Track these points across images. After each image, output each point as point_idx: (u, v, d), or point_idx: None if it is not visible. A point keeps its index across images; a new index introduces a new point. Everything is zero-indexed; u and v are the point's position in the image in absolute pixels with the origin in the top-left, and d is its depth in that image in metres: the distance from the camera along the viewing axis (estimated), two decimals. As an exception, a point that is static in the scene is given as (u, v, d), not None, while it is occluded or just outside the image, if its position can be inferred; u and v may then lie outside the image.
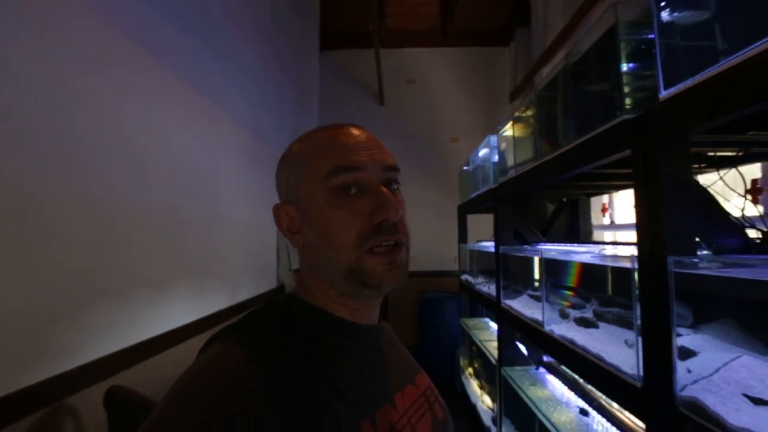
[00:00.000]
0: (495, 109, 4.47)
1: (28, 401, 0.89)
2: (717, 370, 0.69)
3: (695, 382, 0.71)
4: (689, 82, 0.69)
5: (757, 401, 0.62)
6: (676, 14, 0.75)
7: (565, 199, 1.98)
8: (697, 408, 0.67)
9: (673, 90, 0.73)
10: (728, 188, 0.95)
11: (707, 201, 0.83)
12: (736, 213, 0.90)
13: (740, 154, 0.86)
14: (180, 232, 1.66)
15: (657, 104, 0.77)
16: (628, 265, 0.87)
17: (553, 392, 1.61)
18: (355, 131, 0.51)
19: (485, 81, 4.54)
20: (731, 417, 0.61)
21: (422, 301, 3.80)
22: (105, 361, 1.12)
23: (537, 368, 1.87)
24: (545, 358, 1.94)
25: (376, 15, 3.35)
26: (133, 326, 1.28)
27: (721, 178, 0.92)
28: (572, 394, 1.55)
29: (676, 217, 0.76)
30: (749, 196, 0.97)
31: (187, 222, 1.73)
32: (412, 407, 0.51)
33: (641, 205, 0.82)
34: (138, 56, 1.40)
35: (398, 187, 0.52)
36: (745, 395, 0.64)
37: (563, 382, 1.67)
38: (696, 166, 0.98)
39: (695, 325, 0.80)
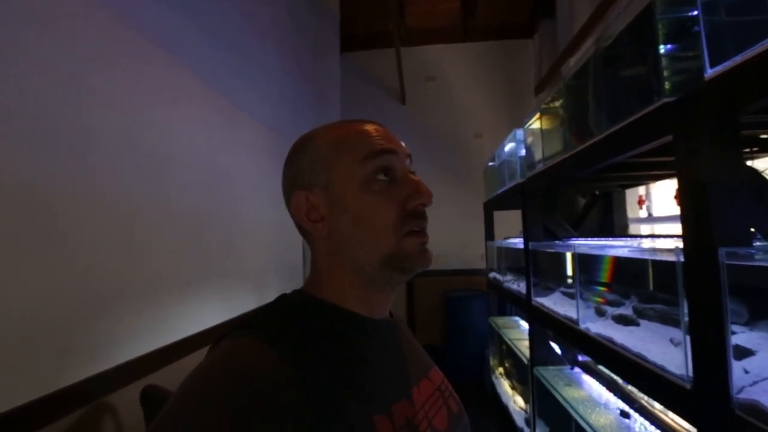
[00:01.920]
0: (519, 103, 4.36)
1: (67, 400, 0.93)
2: (773, 368, 0.63)
3: (755, 383, 0.65)
4: (738, 59, 0.64)
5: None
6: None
7: (597, 192, 1.90)
8: (758, 411, 0.62)
9: (719, 68, 0.68)
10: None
11: (762, 187, 0.77)
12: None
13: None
14: (204, 232, 1.69)
15: (702, 84, 0.72)
16: (672, 258, 0.82)
17: (590, 393, 1.54)
18: (376, 123, 0.54)
19: (508, 75, 4.44)
20: (800, 422, 0.56)
21: (449, 300, 3.75)
22: (139, 362, 1.15)
23: (572, 368, 1.80)
24: (580, 358, 1.86)
25: (396, 15, 3.33)
26: (164, 327, 1.32)
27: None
28: (611, 395, 1.48)
29: (727, 206, 0.70)
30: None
31: (211, 222, 1.76)
32: (428, 402, 0.51)
33: (686, 195, 0.77)
34: (159, 58, 1.44)
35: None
36: (814, 398, 0.58)
37: (601, 383, 1.60)
38: (747, 150, 0.91)
39: (751, 322, 0.75)
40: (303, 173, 0.51)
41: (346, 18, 4.07)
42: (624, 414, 1.31)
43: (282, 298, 0.51)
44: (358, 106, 4.49)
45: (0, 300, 0.81)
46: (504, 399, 2.54)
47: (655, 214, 2.00)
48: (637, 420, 1.27)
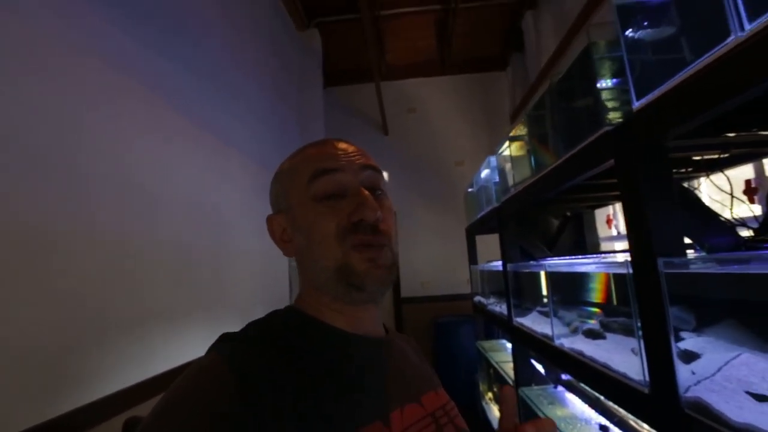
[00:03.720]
0: (497, 130, 4.55)
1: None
2: (719, 370, 0.69)
3: (698, 383, 0.71)
4: (656, 93, 0.74)
5: (760, 398, 0.62)
6: (639, 32, 0.81)
7: (569, 213, 1.99)
8: (701, 408, 0.67)
9: (644, 100, 0.78)
10: (724, 189, 0.97)
11: (694, 203, 0.85)
12: (743, 213, 0.92)
13: (722, 156, 0.89)
14: (191, 265, 1.72)
15: (632, 114, 0.82)
16: (623, 271, 0.89)
17: (573, 410, 1.57)
18: (338, 142, 0.55)
19: (485, 105, 4.66)
20: (734, 414, 0.62)
21: (437, 326, 3.76)
22: (123, 394, 1.16)
23: (555, 387, 1.83)
24: (564, 377, 1.89)
25: (375, 53, 3.52)
26: (153, 357, 1.33)
27: (709, 178, 0.95)
28: (593, 411, 1.51)
29: (662, 220, 0.78)
30: (745, 196, 0.98)
31: (198, 256, 1.79)
32: (413, 427, 0.47)
33: (628, 212, 0.85)
34: (150, 101, 1.52)
35: (382, 193, 0.54)
36: (747, 392, 0.64)
37: (583, 400, 1.63)
38: (684, 170, 1.01)
39: (698, 328, 0.81)
40: (273, 202, 0.56)
41: (329, 54, 4.27)
42: (603, 428, 1.34)
43: (271, 313, 0.52)
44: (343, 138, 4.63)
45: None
46: (495, 425, 2.52)
47: (623, 231, 2.10)
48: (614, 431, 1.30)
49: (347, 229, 0.48)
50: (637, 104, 0.80)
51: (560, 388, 1.81)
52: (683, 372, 0.74)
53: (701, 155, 0.99)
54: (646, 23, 0.80)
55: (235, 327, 0.48)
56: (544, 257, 1.94)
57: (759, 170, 1.25)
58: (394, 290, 4.44)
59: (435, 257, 4.40)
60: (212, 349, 0.45)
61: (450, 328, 3.66)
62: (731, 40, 0.58)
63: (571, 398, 1.70)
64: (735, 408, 0.62)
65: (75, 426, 0.98)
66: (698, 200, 0.87)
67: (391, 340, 0.55)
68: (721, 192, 0.95)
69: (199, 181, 1.87)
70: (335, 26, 4.01)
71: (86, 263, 1.13)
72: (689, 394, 0.71)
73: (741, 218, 0.86)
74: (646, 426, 1.22)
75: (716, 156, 0.89)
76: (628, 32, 0.82)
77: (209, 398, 0.38)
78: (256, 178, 2.60)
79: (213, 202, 1.99)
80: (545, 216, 2.10)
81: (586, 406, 1.58)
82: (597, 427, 1.36)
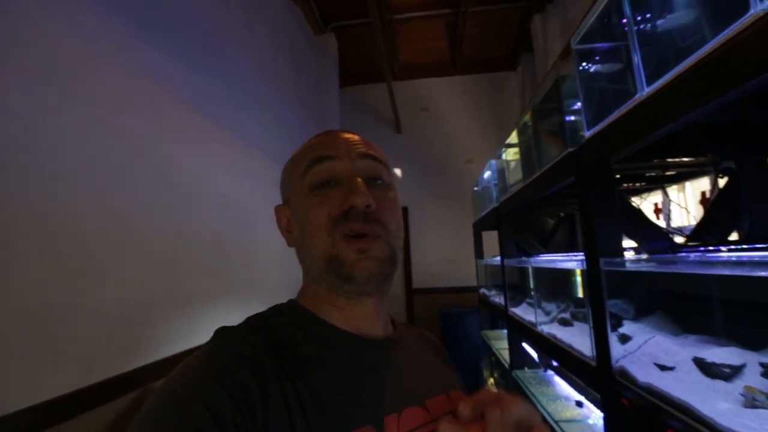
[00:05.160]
0: (507, 129, 4.68)
1: (128, 383, 1.21)
2: (638, 348, 0.89)
3: (624, 356, 0.91)
4: (599, 127, 0.93)
5: (662, 367, 0.81)
6: (591, 78, 0.99)
7: (562, 214, 2.16)
8: (623, 374, 0.88)
9: (591, 131, 0.97)
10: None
11: (636, 214, 1.04)
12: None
13: (662, 174, 1.07)
14: (223, 254, 1.99)
15: (584, 141, 1.00)
16: (579, 267, 1.08)
17: (557, 390, 1.77)
18: (343, 132, 0.54)
19: (495, 104, 4.79)
20: (641, 377, 0.81)
21: (444, 316, 3.97)
22: (173, 359, 1.43)
23: (545, 371, 2.03)
24: (555, 363, 2.09)
25: (387, 55, 3.70)
26: (195, 330, 1.60)
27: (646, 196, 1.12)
28: (572, 390, 1.71)
29: (605, 227, 0.97)
30: (692, 208, 1.15)
31: (229, 245, 2.05)
32: None
33: (582, 219, 1.04)
34: (188, 112, 1.77)
35: (383, 183, 0.51)
36: (655, 363, 0.83)
37: (567, 382, 1.83)
38: (639, 184, 1.19)
39: (636, 317, 1.00)
40: (281, 190, 0.57)
41: (345, 56, 4.46)
42: (578, 403, 1.54)
43: (273, 308, 0.52)
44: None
45: (81, 304, 1.10)
46: (495, 406, 2.73)
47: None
48: (588, 407, 1.50)
49: (338, 218, 0.46)
50: (588, 133, 0.99)
51: (549, 372, 2.01)
52: (617, 349, 0.93)
53: (657, 172, 1.17)
54: (597, 69, 0.99)
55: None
56: (538, 254, 2.12)
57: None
58: (406, 281, 4.67)
59: (444, 251, 4.60)
60: (214, 339, 0.45)
61: (456, 318, 3.87)
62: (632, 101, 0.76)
63: (559, 381, 1.90)
64: (644, 373, 0.82)
65: (142, 379, 1.26)
66: (640, 212, 1.05)
67: (396, 340, 0.53)
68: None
69: (227, 178, 2.12)
70: (350, 30, 4.20)
71: (155, 251, 1.40)
72: (617, 365, 0.91)
73: (679, 227, 1.04)
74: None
75: (658, 174, 1.07)
76: (582, 76, 1.01)
77: (221, 365, 0.40)
78: (277, 174, 2.84)
79: (239, 198, 2.24)
80: (541, 216, 2.27)
81: (570, 387, 1.78)
82: (573, 402, 1.56)
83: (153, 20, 1.58)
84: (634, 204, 1.07)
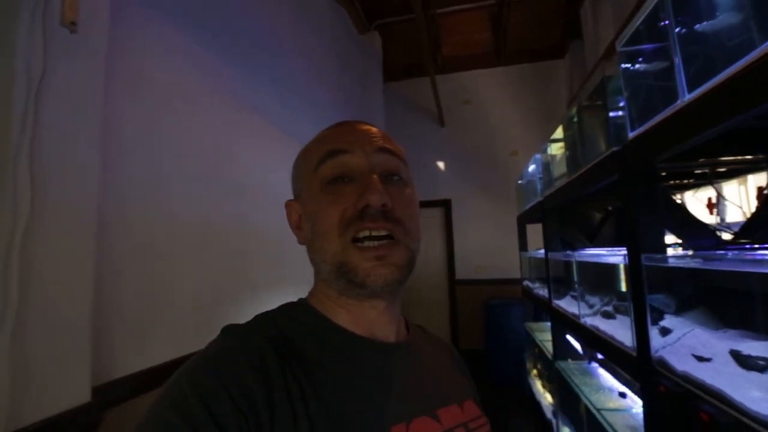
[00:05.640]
0: (553, 119, 4.57)
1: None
2: (678, 339, 0.93)
3: (663, 347, 0.95)
4: (642, 128, 0.96)
5: (699, 358, 0.86)
6: (633, 83, 1.02)
7: (610, 208, 2.14)
8: (662, 363, 0.93)
9: (635, 132, 1.00)
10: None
11: (680, 211, 1.06)
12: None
13: (712, 171, 1.08)
14: (281, 247, 2.18)
15: (628, 141, 1.04)
16: (621, 262, 1.13)
17: (600, 381, 1.80)
18: (357, 123, 0.51)
19: (541, 94, 4.68)
20: (679, 366, 0.87)
21: (488, 308, 4.00)
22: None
23: (589, 363, 2.05)
24: (600, 355, 2.10)
25: (430, 49, 3.74)
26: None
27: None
28: (617, 382, 1.73)
29: (647, 225, 1.01)
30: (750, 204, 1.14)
31: (285, 240, 2.25)
32: None
33: (625, 216, 1.08)
34: (247, 114, 1.96)
35: (400, 180, 0.48)
36: (693, 354, 0.87)
37: (612, 374, 1.85)
38: (687, 181, 1.20)
39: (677, 312, 1.04)
40: (293, 184, 0.54)
41: (388, 52, 4.55)
42: (621, 394, 1.57)
43: (283, 306, 0.50)
44: (401, 130, 4.93)
45: (182, 290, 1.31)
46: (537, 397, 2.77)
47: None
48: (632, 398, 1.53)
49: (352, 218, 0.44)
50: (631, 134, 1.02)
51: (594, 364, 2.03)
52: (657, 340, 0.98)
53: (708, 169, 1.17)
54: (641, 70, 1.02)
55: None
56: (583, 248, 2.13)
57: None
58: (449, 272, 4.74)
59: (488, 243, 4.61)
60: (220, 338, 0.44)
61: (500, 310, 3.89)
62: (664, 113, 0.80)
63: (603, 373, 1.92)
64: (680, 363, 0.87)
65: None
66: (684, 209, 1.07)
67: (408, 344, 0.50)
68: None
69: (280, 176, 2.30)
70: (394, 26, 4.27)
71: (226, 244, 1.60)
72: (657, 355, 0.96)
73: (727, 224, 1.05)
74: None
75: (706, 171, 1.08)
76: (627, 77, 1.04)
77: (225, 367, 0.38)
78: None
79: (290, 194, 2.45)
80: (588, 209, 2.26)
81: (614, 379, 1.80)
82: (617, 393, 1.59)
83: (221, 35, 1.76)
84: (678, 201, 1.09)
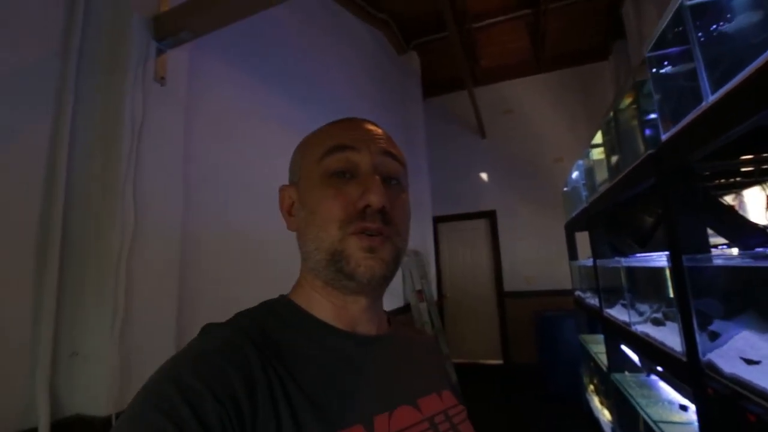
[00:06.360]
0: (599, 122, 4.41)
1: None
2: (726, 343, 0.91)
3: (712, 351, 0.93)
4: (673, 130, 0.97)
5: (748, 361, 0.83)
6: (662, 86, 1.03)
7: (660, 211, 2.05)
8: (711, 367, 0.90)
9: (667, 134, 1.01)
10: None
11: (724, 211, 1.03)
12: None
13: (759, 168, 1.04)
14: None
15: (662, 144, 1.04)
16: (665, 266, 1.11)
17: (660, 394, 1.71)
18: (364, 122, 0.52)
19: (585, 98, 4.55)
20: (727, 369, 0.85)
21: (541, 320, 3.88)
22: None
23: (648, 375, 1.94)
24: (659, 368, 1.98)
25: (467, 64, 3.81)
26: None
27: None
28: (678, 395, 1.64)
29: (687, 225, 1.00)
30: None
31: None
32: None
33: (665, 218, 1.07)
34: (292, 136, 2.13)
35: (398, 185, 0.50)
36: (741, 357, 0.85)
37: (672, 387, 1.74)
38: (733, 180, 1.16)
39: (726, 316, 1.00)
40: (291, 170, 0.54)
41: (427, 69, 4.67)
42: (683, 407, 1.49)
43: (262, 304, 0.50)
44: (443, 145, 5.00)
45: (231, 297, 1.47)
46: (596, 413, 2.64)
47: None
48: (693, 410, 1.45)
49: (353, 216, 0.45)
50: (664, 136, 1.03)
51: (653, 377, 1.93)
52: (706, 344, 0.96)
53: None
54: (668, 73, 1.02)
55: None
56: (634, 253, 2.05)
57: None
58: (496, 284, 4.65)
59: (537, 253, 4.48)
60: (200, 337, 0.44)
61: (553, 322, 3.76)
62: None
63: (663, 386, 1.82)
64: (729, 366, 0.85)
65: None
66: (730, 208, 1.04)
67: (389, 337, 0.52)
68: None
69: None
70: (431, 44, 4.40)
71: (269, 252, 1.75)
72: (705, 359, 0.93)
73: (779, 221, 1.01)
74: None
75: (752, 169, 1.05)
76: (656, 81, 1.05)
77: (206, 366, 0.39)
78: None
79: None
80: (638, 214, 2.18)
81: (675, 392, 1.70)
82: (677, 406, 1.51)
83: (270, 67, 1.96)
84: (727, 201, 1.07)
